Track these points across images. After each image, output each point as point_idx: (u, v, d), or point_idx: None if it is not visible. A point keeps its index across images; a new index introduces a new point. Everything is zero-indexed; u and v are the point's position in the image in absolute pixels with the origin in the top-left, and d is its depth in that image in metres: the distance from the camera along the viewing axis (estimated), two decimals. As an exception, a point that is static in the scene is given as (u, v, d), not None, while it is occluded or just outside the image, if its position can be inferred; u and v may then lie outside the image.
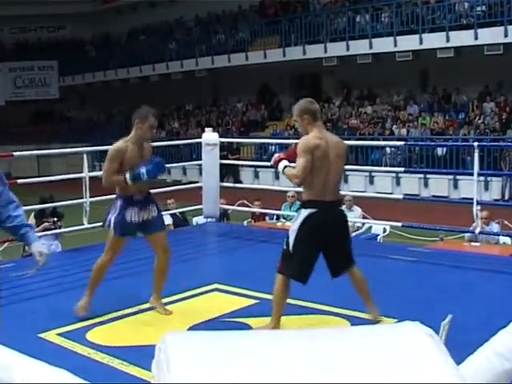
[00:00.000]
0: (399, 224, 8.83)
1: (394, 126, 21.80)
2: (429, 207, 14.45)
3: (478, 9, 20.08)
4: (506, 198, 18.02)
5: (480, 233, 8.65)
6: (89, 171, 8.52)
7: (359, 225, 11.27)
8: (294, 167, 5.12)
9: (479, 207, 8.20)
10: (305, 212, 5.05)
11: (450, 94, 22.38)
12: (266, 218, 12.49)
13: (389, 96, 23.94)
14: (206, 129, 10.16)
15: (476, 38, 19.74)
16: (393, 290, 6.30)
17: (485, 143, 15.71)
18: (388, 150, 20.60)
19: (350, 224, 10.80)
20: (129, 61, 31.04)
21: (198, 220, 11.27)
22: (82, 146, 16.34)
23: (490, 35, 19.41)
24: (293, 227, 5.09)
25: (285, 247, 5.10)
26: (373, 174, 20.17)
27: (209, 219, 10.11)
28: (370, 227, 11.22)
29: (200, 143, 9.88)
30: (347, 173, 19.85)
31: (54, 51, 35.47)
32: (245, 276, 5.42)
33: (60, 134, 33.00)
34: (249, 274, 5.34)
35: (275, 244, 6.61)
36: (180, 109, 31.78)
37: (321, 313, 5.60)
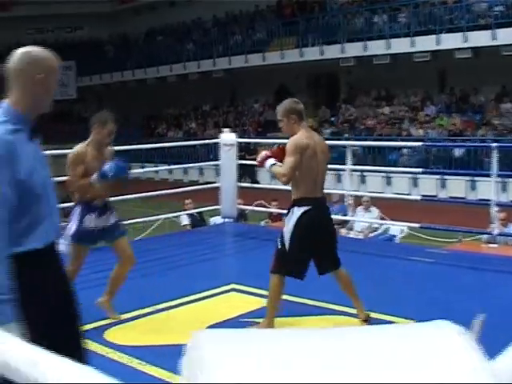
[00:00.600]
0: (417, 225, 8.79)
1: (412, 127, 21.73)
2: (446, 208, 14.39)
3: (496, 9, 19.99)
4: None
5: (498, 234, 8.60)
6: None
7: (376, 226, 11.23)
8: (281, 166, 5.18)
9: (497, 208, 8.16)
10: (298, 210, 5.12)
11: (468, 94, 22.28)
12: (284, 218, 12.46)
13: (406, 97, 23.86)
14: (224, 129, 10.18)
15: (494, 39, 19.63)
16: (410, 291, 6.28)
17: (503, 144, 15.62)
18: (405, 150, 20.53)
19: (367, 225, 10.92)
20: (146, 61, 31.13)
21: (216, 220, 11.28)
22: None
23: (508, 35, 19.28)
24: (288, 226, 5.15)
25: (280, 247, 5.16)
26: (390, 174, 20.09)
27: (226, 219, 10.12)
28: (388, 228, 11.17)
29: (217, 144, 9.90)
30: (364, 174, 19.83)
31: (72, 52, 35.58)
32: (262, 276, 5.41)
33: (77, 133, 33.12)
34: (266, 274, 5.33)
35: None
36: (197, 109, 31.83)
37: (337, 313, 5.59)
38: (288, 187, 5.32)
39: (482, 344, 1.42)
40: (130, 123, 32.34)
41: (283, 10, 28.29)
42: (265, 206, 12.84)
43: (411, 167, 18.99)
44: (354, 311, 5.54)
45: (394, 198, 11.56)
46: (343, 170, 11.03)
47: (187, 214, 11.25)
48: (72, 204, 5.77)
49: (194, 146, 23.18)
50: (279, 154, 5.31)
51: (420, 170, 14.62)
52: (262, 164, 5.40)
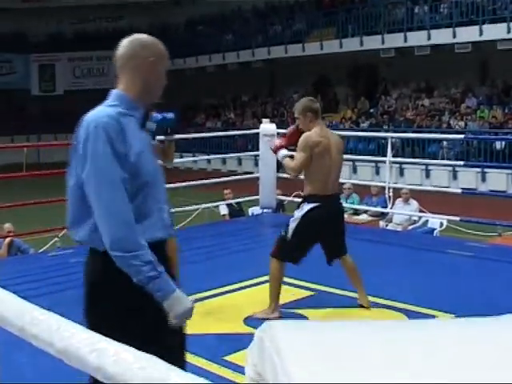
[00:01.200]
0: (457, 218, 8.71)
1: (452, 119, 21.52)
2: (486, 202, 14.23)
3: (541, -1, 19.68)
4: None
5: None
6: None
7: (415, 218, 11.16)
8: (292, 158, 5.41)
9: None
10: (308, 206, 5.30)
11: (510, 86, 21.99)
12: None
13: (446, 88, 23.63)
14: (264, 120, 10.17)
15: (538, 30, 19.36)
16: (450, 285, 6.23)
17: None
18: (445, 143, 20.33)
19: (406, 217, 10.85)
20: (185, 51, 31.20)
21: (254, 210, 11.30)
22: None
23: (553, 27, 19.03)
24: (295, 216, 5.35)
25: (283, 233, 5.36)
26: (429, 167, 19.93)
27: (265, 210, 10.13)
28: (427, 221, 11.10)
29: (257, 134, 9.90)
30: (403, 166, 19.69)
31: (112, 41, 35.55)
32: (301, 267, 5.42)
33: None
34: (305, 265, 5.34)
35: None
36: (236, 99, 31.87)
37: (377, 306, 5.57)
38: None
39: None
40: (168, 112, 32.48)
41: (323, 1, 28.16)
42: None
43: (450, 159, 18.85)
44: (391, 303, 5.53)
45: (433, 190, 11.44)
46: (382, 161, 10.95)
47: (226, 204, 11.27)
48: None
49: (233, 136, 23.22)
50: (294, 135, 5.49)
51: (462, 162, 14.51)
52: (275, 152, 5.59)
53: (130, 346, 1.40)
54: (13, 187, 14.17)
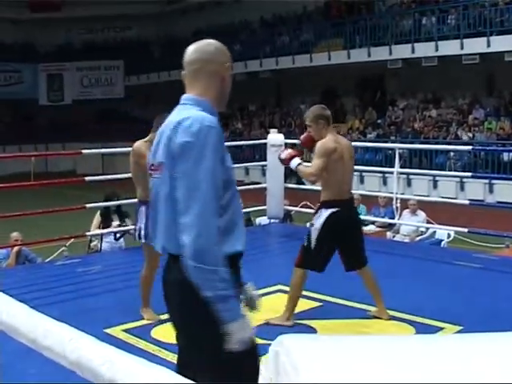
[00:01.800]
0: (465, 230, 8.69)
1: (459, 130, 21.49)
2: (494, 213, 14.20)
3: (549, 11, 19.68)
4: None
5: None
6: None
7: (423, 229, 11.14)
8: (307, 165, 5.57)
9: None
10: (326, 211, 5.38)
11: (517, 98, 21.98)
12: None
13: (454, 100, 23.62)
14: (271, 130, 10.19)
15: (545, 41, 19.34)
16: (457, 297, 6.22)
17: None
18: (452, 154, 20.30)
19: (413, 228, 10.84)
20: (193, 61, 31.27)
21: (262, 221, 11.30)
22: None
23: (560, 38, 19.01)
24: (315, 226, 5.41)
25: (306, 244, 5.43)
26: (436, 178, 19.88)
27: (272, 220, 10.12)
28: (434, 232, 11.08)
29: (264, 144, 9.92)
30: (411, 176, 19.66)
31: (120, 51, 36.04)
32: (308, 278, 5.43)
33: (124, 132, 33.52)
34: (312, 275, 5.35)
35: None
36: (243, 109, 31.91)
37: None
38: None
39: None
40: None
41: (331, 12, 28.22)
42: (311, 207, 12.81)
43: (458, 171, 18.81)
44: (399, 315, 5.52)
45: (442, 201, 11.43)
46: (390, 172, 10.94)
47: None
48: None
49: (240, 146, 23.25)
50: (308, 141, 5.64)
51: (469, 174, 14.47)
52: (286, 162, 5.60)
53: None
54: (21, 196, 14.22)
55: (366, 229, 11.49)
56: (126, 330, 5.34)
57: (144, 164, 5.42)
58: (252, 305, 2.83)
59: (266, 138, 9.89)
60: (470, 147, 15.11)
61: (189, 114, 2.55)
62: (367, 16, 25.32)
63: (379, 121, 24.86)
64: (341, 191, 5.41)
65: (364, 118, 25.67)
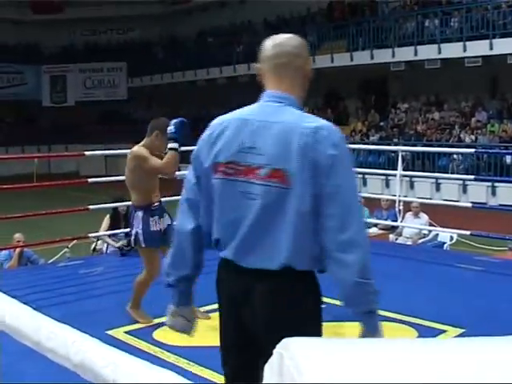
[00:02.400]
0: (468, 232, 8.68)
1: (462, 133, 21.48)
2: (496, 216, 14.19)
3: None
4: None
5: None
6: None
7: (425, 232, 11.13)
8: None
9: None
10: None
11: (520, 100, 21.97)
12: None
13: (456, 102, 23.61)
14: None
15: (548, 44, 19.34)
16: (459, 299, 6.22)
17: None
18: (455, 156, 20.30)
19: (416, 231, 10.82)
20: (196, 63, 31.29)
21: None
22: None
23: None
24: None
25: None
26: (439, 180, 19.88)
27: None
28: (437, 235, 11.06)
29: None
30: (413, 179, 19.65)
31: (123, 53, 36.08)
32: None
33: (127, 134, 33.54)
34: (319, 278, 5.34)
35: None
36: (246, 111, 31.92)
37: (386, 319, 5.55)
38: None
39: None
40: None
41: (334, 14, 28.23)
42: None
43: (461, 173, 18.80)
44: (401, 317, 5.52)
45: (445, 204, 11.42)
46: (392, 175, 10.93)
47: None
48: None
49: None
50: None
51: (472, 177, 14.46)
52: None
53: None
54: (23, 197, 14.23)
55: (368, 231, 11.48)
56: (127, 332, 5.34)
57: (147, 168, 5.43)
58: None
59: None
60: (473, 150, 15.12)
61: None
62: (370, 18, 25.34)
63: (382, 123, 24.86)
64: None
65: (367, 121, 25.68)
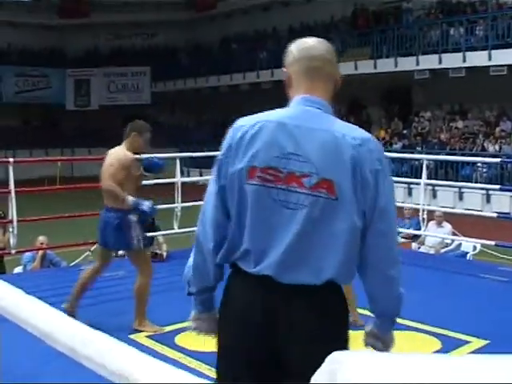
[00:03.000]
0: (492, 243, 8.60)
1: (486, 142, 21.33)
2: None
3: None
4: None
5: None
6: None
7: (448, 241, 11.04)
8: None
9: None
10: None
11: (546, 110, 21.79)
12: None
13: (481, 111, 23.46)
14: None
15: None
16: (483, 310, 6.17)
17: None
18: (479, 165, 20.15)
19: (438, 240, 10.74)
20: (220, 69, 31.36)
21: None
22: (171, 152, 16.52)
23: None
24: None
25: None
26: (462, 190, 19.74)
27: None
28: (460, 244, 10.98)
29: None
30: (436, 188, 19.54)
31: (147, 58, 36.24)
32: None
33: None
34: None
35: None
36: (270, 117, 31.92)
37: (409, 329, 5.51)
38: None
39: None
40: (202, 129, 32.64)
41: (358, 21, 28.16)
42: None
43: (484, 183, 18.65)
44: (424, 327, 5.47)
45: (470, 214, 11.33)
46: (416, 183, 10.86)
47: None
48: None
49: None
50: None
51: (497, 186, 14.35)
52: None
53: None
54: (47, 200, 14.29)
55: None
56: (150, 337, 5.34)
57: (134, 171, 5.65)
58: None
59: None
60: (498, 159, 14.99)
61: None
62: (394, 26, 25.27)
63: (405, 131, 24.75)
64: None
65: (390, 128, 25.58)
